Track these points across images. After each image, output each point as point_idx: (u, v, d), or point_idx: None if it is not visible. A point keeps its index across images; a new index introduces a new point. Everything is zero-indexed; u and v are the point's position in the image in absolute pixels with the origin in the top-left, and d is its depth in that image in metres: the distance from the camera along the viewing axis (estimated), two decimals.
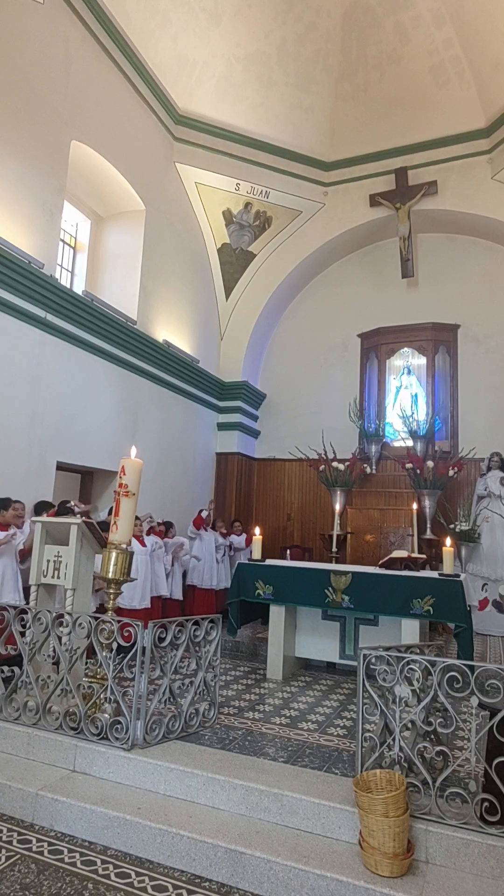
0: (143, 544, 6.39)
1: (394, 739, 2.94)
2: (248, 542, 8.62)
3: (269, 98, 8.94)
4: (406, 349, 9.78)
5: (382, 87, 8.79)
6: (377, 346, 9.91)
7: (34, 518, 4.86)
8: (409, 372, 9.76)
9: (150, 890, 2.62)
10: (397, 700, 2.96)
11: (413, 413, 9.32)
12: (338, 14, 8.17)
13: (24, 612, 3.86)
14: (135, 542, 5.94)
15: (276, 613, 5.38)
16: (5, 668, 3.84)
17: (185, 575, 7.65)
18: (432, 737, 2.98)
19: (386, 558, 5.40)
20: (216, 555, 8.09)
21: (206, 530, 8.03)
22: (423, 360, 9.64)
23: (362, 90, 8.89)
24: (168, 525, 7.30)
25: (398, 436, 9.51)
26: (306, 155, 9.60)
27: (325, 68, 8.73)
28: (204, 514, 8.00)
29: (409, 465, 8.64)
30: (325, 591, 5.09)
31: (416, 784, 2.84)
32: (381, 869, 2.55)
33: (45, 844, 2.95)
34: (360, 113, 9.13)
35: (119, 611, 3.69)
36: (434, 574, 5.00)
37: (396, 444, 9.51)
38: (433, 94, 8.66)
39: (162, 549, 6.83)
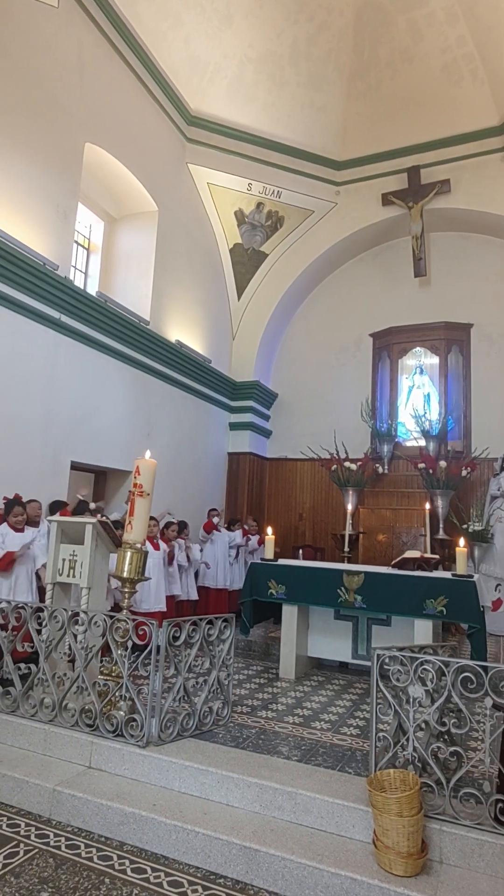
0: (157, 547, 6.41)
1: (407, 739, 2.95)
2: (260, 542, 8.65)
3: (280, 98, 8.94)
4: (418, 348, 9.74)
5: (395, 86, 8.76)
6: (389, 345, 9.88)
7: (49, 517, 4.92)
8: (421, 371, 9.73)
9: (165, 886, 2.65)
10: (411, 700, 2.97)
11: (426, 413, 9.28)
12: (350, 13, 8.15)
13: (40, 610, 3.91)
14: (148, 545, 5.96)
15: (289, 613, 5.39)
16: (22, 666, 3.89)
17: (197, 575, 7.68)
18: (446, 737, 2.98)
19: (398, 558, 5.40)
20: (229, 556, 8.12)
21: (218, 531, 8.07)
22: (435, 360, 9.60)
23: (374, 89, 8.86)
24: (182, 525, 7.33)
25: (410, 435, 9.48)
26: (318, 154, 9.60)
27: (337, 67, 8.71)
28: (215, 520, 8.06)
29: (421, 465, 8.61)
30: (338, 590, 5.10)
31: (429, 784, 2.85)
32: (396, 868, 2.56)
33: (63, 839, 2.99)
34: (373, 112, 9.11)
35: (134, 614, 3.72)
36: (447, 574, 4.99)
37: (409, 443, 9.48)
38: (446, 92, 8.62)
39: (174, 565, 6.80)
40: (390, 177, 9.57)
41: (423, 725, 2.96)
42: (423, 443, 9.07)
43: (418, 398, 9.63)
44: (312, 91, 8.93)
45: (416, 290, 10.01)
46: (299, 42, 8.41)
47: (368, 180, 9.73)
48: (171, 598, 6.69)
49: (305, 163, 9.60)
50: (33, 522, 5.40)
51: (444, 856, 2.69)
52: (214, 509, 8.55)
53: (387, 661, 3.06)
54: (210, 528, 7.97)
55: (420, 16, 7.97)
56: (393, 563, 5.44)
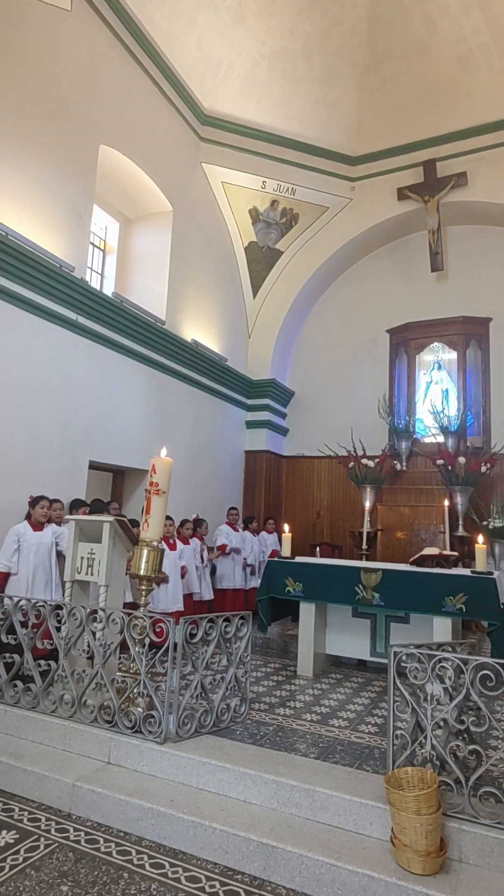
0: (173, 547, 6.43)
1: (425, 737, 2.93)
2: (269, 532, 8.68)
3: (294, 94, 8.90)
4: (436, 344, 9.62)
5: (410, 79, 8.67)
6: (407, 341, 9.78)
7: (68, 516, 4.97)
8: (439, 367, 9.62)
9: (183, 881, 2.67)
10: (429, 698, 2.94)
11: (444, 409, 9.18)
12: (363, 7, 8.07)
13: (59, 607, 3.96)
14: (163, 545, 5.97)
15: (306, 610, 5.38)
16: (42, 662, 3.94)
17: (214, 573, 7.68)
18: (465, 735, 2.95)
19: (417, 555, 5.35)
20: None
21: (236, 531, 8.04)
22: (453, 355, 9.48)
23: (389, 83, 8.78)
24: (197, 523, 7.34)
25: (429, 432, 9.38)
26: (332, 150, 9.54)
27: (350, 62, 8.64)
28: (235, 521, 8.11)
29: (440, 462, 8.52)
30: (356, 588, 5.07)
31: (448, 783, 2.82)
32: (414, 867, 2.55)
33: (82, 834, 3.02)
34: (388, 106, 9.02)
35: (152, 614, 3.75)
36: (466, 572, 4.93)
37: (427, 440, 9.38)
38: (462, 84, 8.50)
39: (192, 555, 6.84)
40: (406, 171, 9.48)
41: (441, 723, 2.93)
42: (441, 439, 8.96)
43: (436, 394, 9.52)
44: (326, 87, 8.88)
45: (434, 284, 9.90)
46: (312, 37, 8.36)
47: (384, 175, 9.64)
48: (188, 597, 6.71)
49: (320, 159, 9.55)
50: (55, 522, 5.47)
51: (464, 855, 2.67)
52: (234, 508, 8.53)
53: (404, 658, 3.04)
54: (223, 549, 7.87)
55: (434, 7, 7.86)
56: (411, 560, 5.39)
